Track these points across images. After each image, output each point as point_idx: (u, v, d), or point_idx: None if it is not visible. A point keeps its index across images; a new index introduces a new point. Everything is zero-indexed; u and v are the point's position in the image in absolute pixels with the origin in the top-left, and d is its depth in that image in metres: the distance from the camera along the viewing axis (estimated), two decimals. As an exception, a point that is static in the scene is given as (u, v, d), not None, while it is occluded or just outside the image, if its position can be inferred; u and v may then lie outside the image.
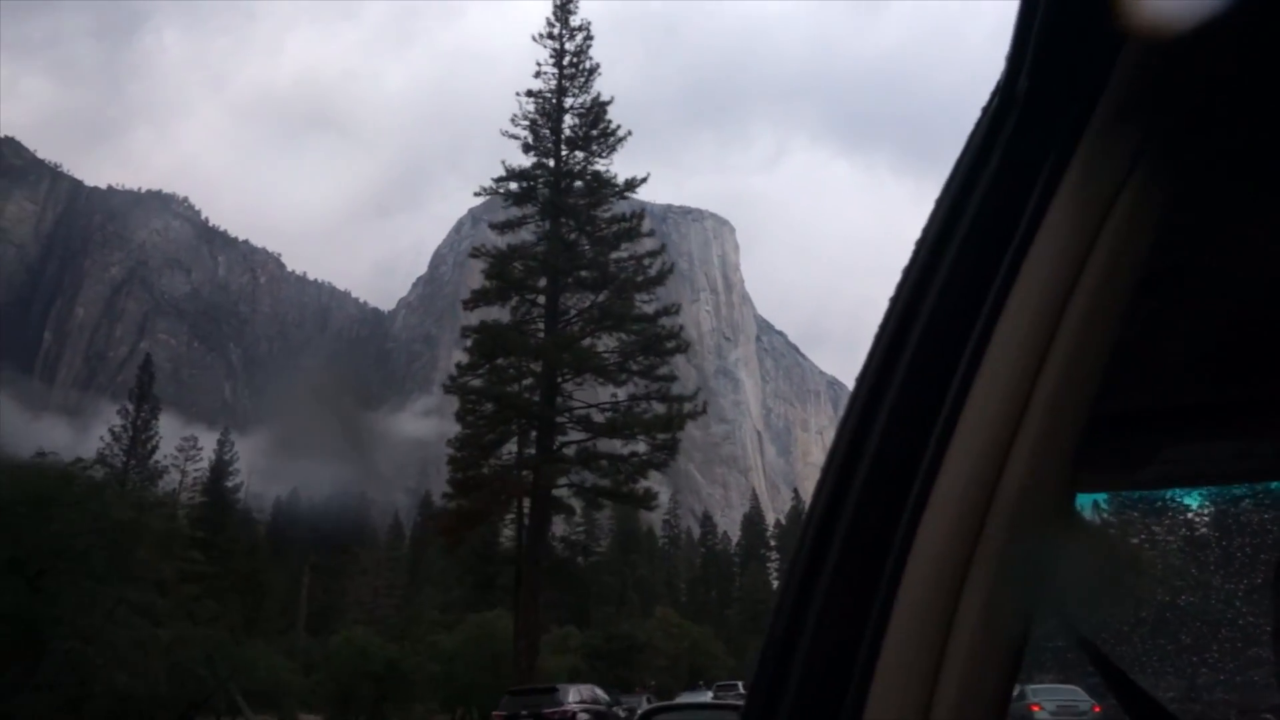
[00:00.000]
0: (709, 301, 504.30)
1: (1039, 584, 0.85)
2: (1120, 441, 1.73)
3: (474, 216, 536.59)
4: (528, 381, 39.38)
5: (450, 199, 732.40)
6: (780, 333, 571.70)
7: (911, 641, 0.79)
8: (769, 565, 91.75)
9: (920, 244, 1.05)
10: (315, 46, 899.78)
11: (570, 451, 38.82)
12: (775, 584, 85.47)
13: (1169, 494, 2.36)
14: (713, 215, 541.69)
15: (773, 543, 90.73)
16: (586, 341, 39.11)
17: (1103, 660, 1.45)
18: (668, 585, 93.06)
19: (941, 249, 0.99)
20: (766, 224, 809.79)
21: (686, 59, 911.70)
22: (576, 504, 40.98)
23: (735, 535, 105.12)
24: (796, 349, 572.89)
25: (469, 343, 39.63)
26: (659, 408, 38.06)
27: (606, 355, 39.19)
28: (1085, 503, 2.08)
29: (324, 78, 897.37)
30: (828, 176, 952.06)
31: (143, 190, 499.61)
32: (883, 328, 1.04)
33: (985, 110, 1.02)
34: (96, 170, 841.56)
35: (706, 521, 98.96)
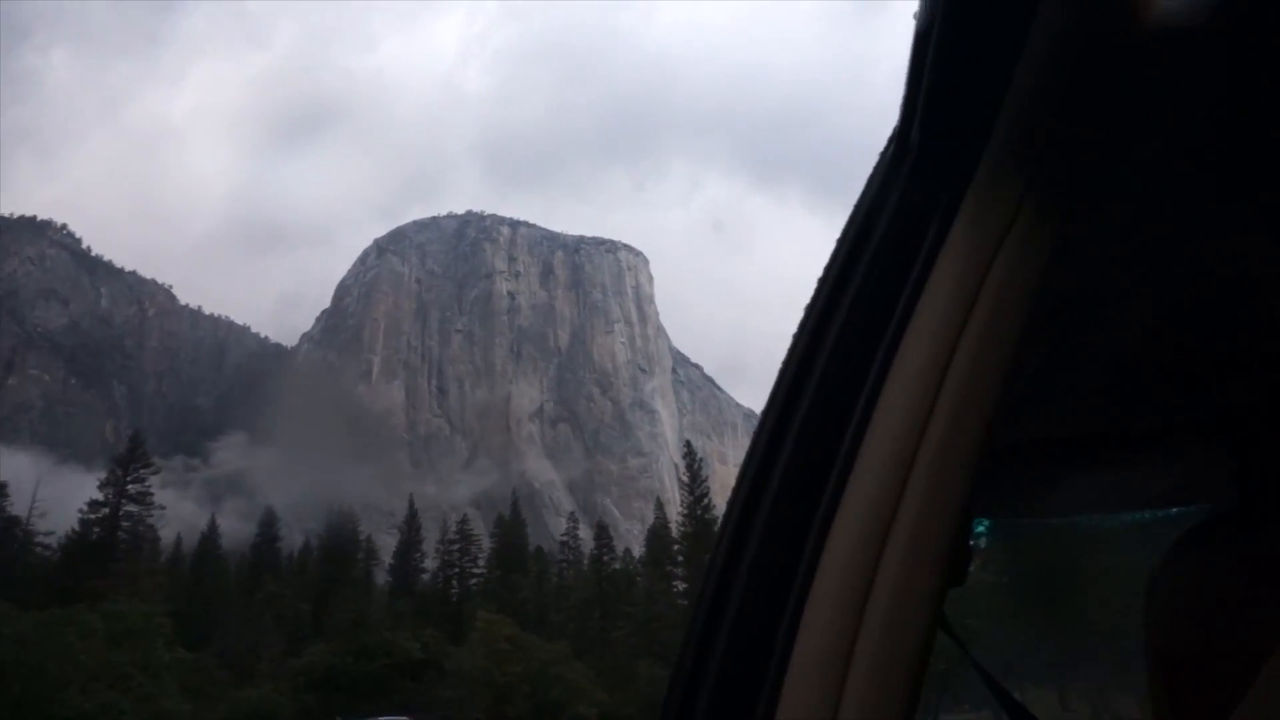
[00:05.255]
0: (624, 333, 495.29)
1: (936, 606, 0.87)
2: (1022, 471, 1.78)
3: (379, 247, 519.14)
4: None
5: (355, 229, 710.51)
6: (696, 365, 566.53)
7: (816, 661, 0.81)
8: (675, 584, 79.67)
9: (822, 282, 1.08)
10: (220, 70, 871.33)
11: None
12: (679, 602, 72.74)
13: (1071, 520, 2.39)
14: (626, 246, 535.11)
15: (679, 557, 78.50)
16: None
17: (992, 681, 1.48)
18: (555, 608, 79.79)
19: (843, 287, 1.02)
20: (681, 258, 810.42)
21: (600, 93, 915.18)
22: None
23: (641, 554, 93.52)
24: (713, 381, 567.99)
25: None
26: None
27: None
28: (986, 529, 2.12)
29: (225, 106, 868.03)
30: (743, 211, 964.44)
31: (14, 216, 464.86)
32: (787, 362, 1.08)
33: (882, 156, 1.08)
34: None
35: (602, 534, 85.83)
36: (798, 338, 1.08)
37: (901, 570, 0.83)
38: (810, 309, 1.08)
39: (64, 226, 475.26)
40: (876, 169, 1.09)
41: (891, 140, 1.06)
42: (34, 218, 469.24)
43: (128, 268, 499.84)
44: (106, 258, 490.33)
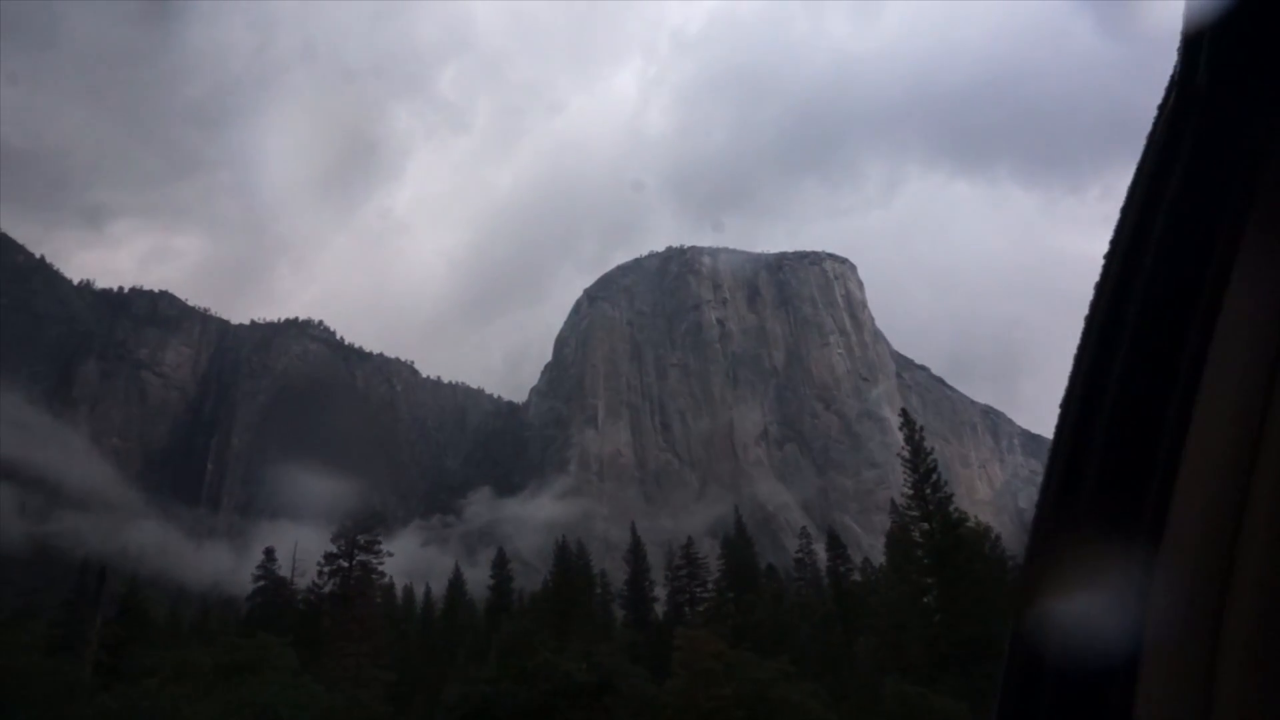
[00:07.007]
0: (840, 344, 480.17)
1: None
2: None
3: (589, 296, 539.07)
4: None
5: (567, 284, 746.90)
6: (923, 367, 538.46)
7: (1180, 629, 0.72)
8: (921, 580, 71.78)
9: (1110, 258, 0.95)
10: (430, 162, 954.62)
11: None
12: (924, 602, 65.28)
13: None
14: (831, 255, 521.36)
15: (920, 555, 70.85)
16: None
17: None
18: (796, 626, 74.89)
19: (1135, 263, 0.89)
20: (890, 259, 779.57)
21: (780, 108, 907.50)
22: None
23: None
24: (942, 382, 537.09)
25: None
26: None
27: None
28: None
29: (438, 191, 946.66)
30: (948, 199, 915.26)
31: (281, 320, 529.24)
32: (1081, 354, 0.94)
33: (1161, 110, 0.91)
34: (239, 308, 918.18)
35: (835, 545, 79.84)
36: (1091, 320, 0.93)
37: (1263, 573, 0.71)
38: (1101, 287, 0.93)
39: (320, 323, 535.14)
40: (1156, 124, 0.93)
41: (1171, 88, 0.89)
42: (296, 318, 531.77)
43: (374, 351, 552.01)
44: (356, 344, 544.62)
